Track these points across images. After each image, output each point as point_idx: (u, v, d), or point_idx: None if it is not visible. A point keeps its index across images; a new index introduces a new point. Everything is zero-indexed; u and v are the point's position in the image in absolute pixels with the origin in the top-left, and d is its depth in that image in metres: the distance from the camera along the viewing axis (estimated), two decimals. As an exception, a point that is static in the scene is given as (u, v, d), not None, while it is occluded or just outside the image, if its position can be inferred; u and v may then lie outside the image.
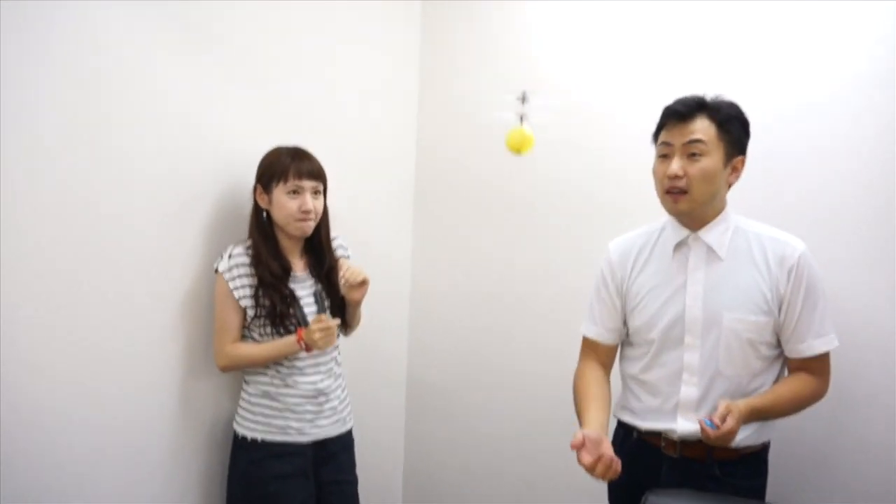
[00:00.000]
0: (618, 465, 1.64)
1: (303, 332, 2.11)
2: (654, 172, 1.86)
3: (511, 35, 2.78)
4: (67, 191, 1.91)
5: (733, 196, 1.91)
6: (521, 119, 1.98)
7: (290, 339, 2.13)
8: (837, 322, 1.88)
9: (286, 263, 2.20)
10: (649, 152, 1.92)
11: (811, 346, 1.80)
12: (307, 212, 2.15)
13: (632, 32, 2.51)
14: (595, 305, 2.02)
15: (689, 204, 1.80)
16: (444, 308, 3.00)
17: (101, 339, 2.00)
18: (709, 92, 1.85)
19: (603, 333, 2.01)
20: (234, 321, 2.16)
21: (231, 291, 2.14)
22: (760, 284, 1.79)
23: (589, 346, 2.04)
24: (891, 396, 2.06)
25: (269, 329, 2.15)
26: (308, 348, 2.12)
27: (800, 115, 2.19)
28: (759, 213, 2.01)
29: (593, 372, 1.98)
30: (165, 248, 2.14)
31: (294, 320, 2.16)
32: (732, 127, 1.80)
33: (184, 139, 2.17)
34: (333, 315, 2.21)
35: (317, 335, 2.08)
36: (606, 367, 2.01)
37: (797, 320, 1.78)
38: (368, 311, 2.45)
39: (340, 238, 2.37)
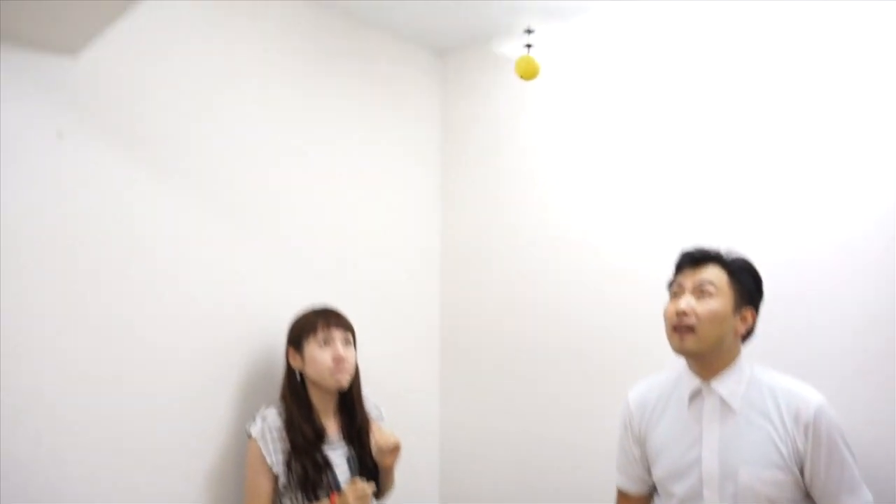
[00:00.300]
0: None
1: (336, 497, 2.04)
2: (665, 312, 1.87)
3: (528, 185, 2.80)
4: (101, 355, 1.99)
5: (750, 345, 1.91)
6: (529, 48, 2.01)
7: None
8: (867, 474, 1.81)
9: (319, 428, 2.15)
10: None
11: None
12: (340, 359, 2.13)
13: (646, 184, 2.50)
14: (620, 456, 2.03)
15: (696, 343, 1.79)
16: (475, 456, 2.90)
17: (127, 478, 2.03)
18: (722, 242, 1.93)
19: (629, 484, 2.01)
20: (265, 489, 2.08)
21: (264, 458, 2.08)
22: (775, 440, 1.75)
23: (621, 496, 2.04)
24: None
25: (300, 496, 2.07)
26: None
27: (803, 270, 2.16)
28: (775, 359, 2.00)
29: None
30: (197, 415, 2.18)
31: (327, 488, 2.09)
32: (743, 278, 1.84)
33: (211, 302, 2.23)
34: (366, 478, 2.14)
35: (352, 503, 2.01)
36: None
37: (825, 479, 1.72)
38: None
39: (373, 397, 2.34)
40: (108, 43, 1.99)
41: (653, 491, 2.00)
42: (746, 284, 1.84)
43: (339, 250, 2.61)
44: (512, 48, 2.11)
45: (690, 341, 1.79)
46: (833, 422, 1.74)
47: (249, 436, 2.11)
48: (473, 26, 2.79)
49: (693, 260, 1.87)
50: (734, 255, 1.88)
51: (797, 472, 1.74)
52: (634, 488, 1.99)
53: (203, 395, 2.19)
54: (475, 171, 2.97)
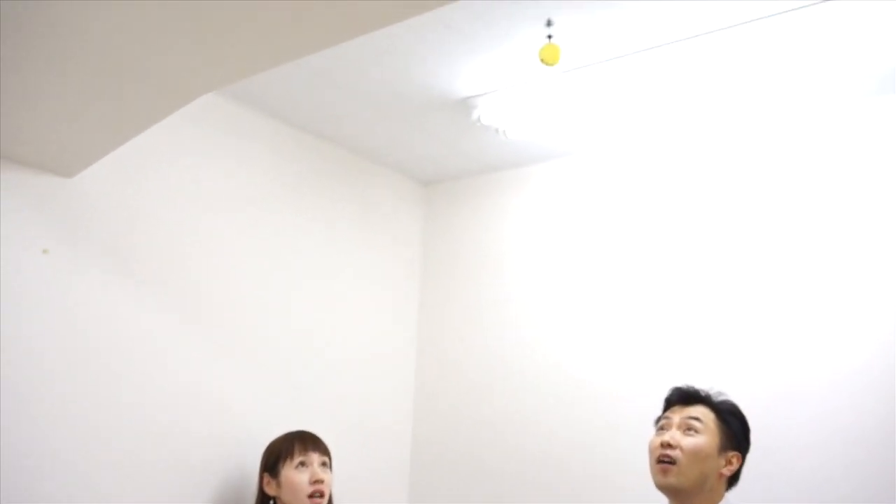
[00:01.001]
0: None
1: None
2: (650, 445, 1.87)
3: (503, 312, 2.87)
4: (71, 469, 1.97)
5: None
6: (550, 38, 2.00)
7: None
8: None
9: None
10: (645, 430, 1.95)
11: None
12: (318, 482, 2.10)
13: (630, 318, 2.57)
14: None
15: (678, 478, 1.78)
16: None
17: None
18: (705, 371, 1.98)
19: None
20: None
21: None
22: None
23: None
24: None
25: None
26: None
27: (799, 403, 2.21)
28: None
29: None
30: None
31: None
32: (731, 421, 1.85)
33: (187, 420, 2.23)
34: None
35: None
36: None
37: None
38: None
39: None
40: (101, 165, 2.05)
41: None
42: (734, 427, 1.84)
43: (315, 373, 2.63)
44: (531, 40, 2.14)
45: (672, 475, 1.78)
46: None
47: None
48: (457, 160, 2.92)
49: (682, 397, 1.89)
50: (723, 398, 1.89)
51: None
52: None
53: None
54: (453, 298, 3.03)
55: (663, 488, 1.82)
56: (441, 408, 2.96)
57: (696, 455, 1.78)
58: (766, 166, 2.39)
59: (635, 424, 2.40)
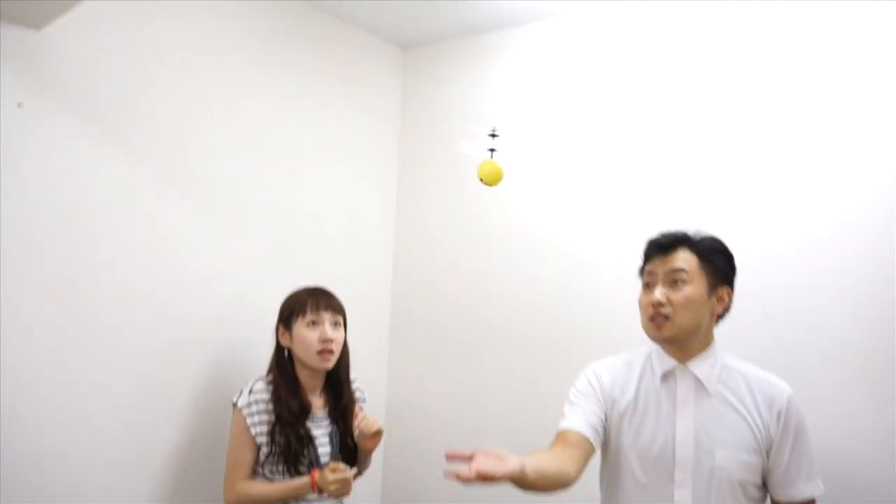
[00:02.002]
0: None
1: (317, 474, 2.09)
2: (640, 302, 1.87)
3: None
4: (72, 321, 2.07)
5: (730, 335, 1.96)
6: (492, 153, 1.97)
7: (303, 481, 2.11)
8: (833, 466, 1.92)
9: (305, 402, 2.20)
10: (626, 275, 2.01)
11: (801, 491, 1.77)
12: (327, 340, 2.18)
13: (611, 177, 2.61)
14: (576, 401, 1.91)
15: (672, 330, 1.80)
16: (420, 433, 2.99)
17: (104, 467, 2.12)
18: (700, 225, 1.92)
19: (580, 423, 1.85)
20: (248, 457, 2.15)
21: (248, 427, 2.14)
22: (750, 423, 1.77)
23: (562, 436, 1.85)
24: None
25: (281, 468, 2.13)
26: (320, 491, 2.09)
27: (798, 254, 2.23)
28: (756, 351, 2.09)
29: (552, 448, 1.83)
30: (171, 380, 2.29)
31: (307, 461, 2.15)
32: (715, 258, 1.84)
33: (166, 278, 2.30)
34: (345, 457, 2.20)
35: (332, 486, 2.05)
36: (574, 461, 1.78)
37: (787, 465, 1.77)
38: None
39: (359, 381, 2.39)
40: (72, 17, 2.02)
41: (592, 445, 1.85)
42: (718, 264, 1.83)
43: (294, 238, 2.68)
44: (475, 151, 2.11)
45: (668, 329, 1.80)
46: (801, 411, 1.80)
47: (235, 405, 2.17)
48: (436, 22, 2.88)
49: (661, 247, 1.85)
50: (702, 236, 1.87)
51: (765, 457, 1.78)
52: (583, 428, 1.84)
53: (176, 379, 2.31)
54: (432, 163, 3.05)
55: (660, 341, 1.85)
56: (419, 271, 3.06)
57: (687, 306, 1.79)
58: (759, 19, 2.35)
59: (610, 283, 2.51)
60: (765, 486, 1.82)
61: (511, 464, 1.55)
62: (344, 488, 2.07)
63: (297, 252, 2.69)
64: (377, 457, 2.99)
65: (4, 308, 1.93)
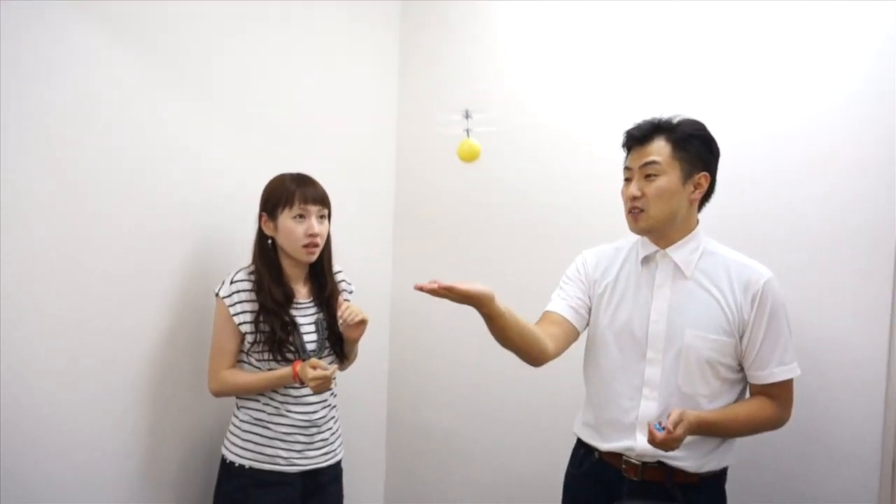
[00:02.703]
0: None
1: (298, 367, 2.07)
2: (621, 194, 1.93)
3: (482, 61, 2.86)
4: (69, 198, 1.99)
5: (721, 214, 1.99)
6: (468, 133, 2.17)
7: (285, 372, 2.10)
8: (819, 344, 1.97)
9: (289, 290, 2.19)
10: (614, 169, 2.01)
11: (773, 374, 1.83)
12: (313, 235, 2.14)
13: (609, 68, 2.55)
14: (562, 286, 2.04)
15: (647, 221, 1.86)
16: (424, 329, 3.04)
17: (91, 343, 2.06)
18: (686, 109, 1.92)
19: (562, 306, 1.99)
20: (230, 346, 2.15)
21: (231, 317, 2.13)
22: (723, 306, 1.82)
23: (545, 316, 2.00)
24: (864, 428, 2.08)
25: (266, 355, 2.13)
26: (302, 383, 2.08)
27: (790, 129, 2.18)
28: (747, 226, 2.16)
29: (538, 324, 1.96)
30: (156, 268, 2.21)
31: (293, 348, 2.14)
32: (690, 145, 1.85)
33: (177, 173, 2.25)
34: (332, 344, 2.21)
35: (312, 382, 2.03)
36: (553, 338, 1.92)
37: (759, 347, 1.82)
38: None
39: (344, 273, 2.36)
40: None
41: (574, 327, 1.98)
42: (694, 150, 1.85)
43: (293, 128, 2.62)
44: (454, 131, 2.26)
45: (643, 221, 1.86)
46: (778, 295, 1.83)
47: (217, 295, 2.15)
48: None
49: (635, 138, 1.89)
50: (678, 121, 1.87)
51: (737, 339, 1.82)
52: (564, 311, 1.98)
53: (169, 264, 2.25)
54: (436, 50, 2.99)
55: (638, 232, 1.92)
56: (422, 170, 3.04)
57: (659, 197, 1.84)
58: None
59: (608, 168, 2.37)
60: (741, 368, 1.87)
61: (481, 286, 1.71)
62: (324, 385, 2.03)
63: (297, 146, 2.62)
64: (383, 358, 3.10)
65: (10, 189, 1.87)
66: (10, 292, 1.86)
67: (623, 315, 1.92)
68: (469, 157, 2.18)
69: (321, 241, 2.18)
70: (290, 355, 2.13)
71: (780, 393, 1.85)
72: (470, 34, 2.89)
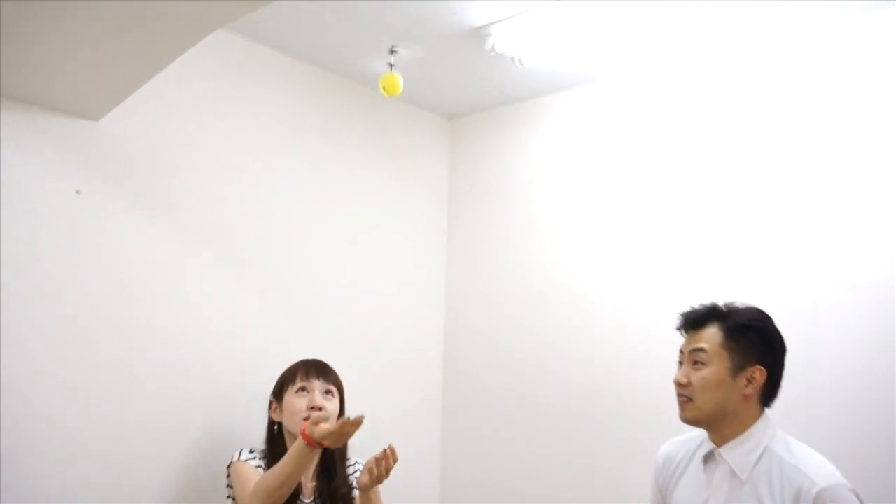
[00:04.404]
0: None
1: (306, 429, 1.85)
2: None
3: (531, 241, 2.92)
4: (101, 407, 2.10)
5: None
6: (391, 66, 2.36)
7: (299, 444, 1.86)
8: None
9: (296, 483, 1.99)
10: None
11: None
12: (315, 407, 2.03)
13: (654, 238, 2.59)
14: (650, 498, 1.96)
15: (693, 412, 1.75)
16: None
17: None
18: (737, 292, 1.90)
19: None
20: (256, 475, 1.97)
21: (255, 469, 2.02)
22: None
23: None
24: None
25: None
26: (320, 444, 1.85)
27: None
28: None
29: None
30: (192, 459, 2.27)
31: None
32: (744, 336, 1.73)
33: (218, 354, 2.34)
34: None
35: (327, 441, 1.82)
36: None
37: None
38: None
39: (361, 464, 2.15)
40: (128, 105, 2.13)
41: None
42: (747, 341, 1.73)
43: (345, 308, 2.71)
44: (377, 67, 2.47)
45: (689, 411, 1.76)
46: None
47: (231, 463, 2.04)
48: (480, 93, 2.93)
49: (689, 323, 1.80)
50: (735, 309, 1.78)
51: None
52: None
53: (195, 441, 2.30)
54: (481, 228, 3.08)
55: (685, 422, 1.80)
56: (471, 338, 3.04)
57: (704, 387, 1.73)
58: (788, 87, 2.36)
59: (665, 350, 2.43)
60: None
61: None
62: (339, 435, 1.82)
63: (346, 320, 2.71)
64: None
65: (67, 384, 2.02)
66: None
67: None
68: (391, 88, 2.28)
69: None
70: None
71: None
72: (513, 210, 2.98)
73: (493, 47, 2.42)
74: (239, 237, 2.44)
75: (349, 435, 1.85)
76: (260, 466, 2.04)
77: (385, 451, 1.88)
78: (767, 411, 1.77)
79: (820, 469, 1.64)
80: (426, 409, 3.02)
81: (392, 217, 2.93)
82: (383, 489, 2.03)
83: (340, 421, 1.82)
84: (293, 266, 2.58)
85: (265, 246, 2.50)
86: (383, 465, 1.89)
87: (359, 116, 2.84)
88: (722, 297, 1.88)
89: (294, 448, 1.87)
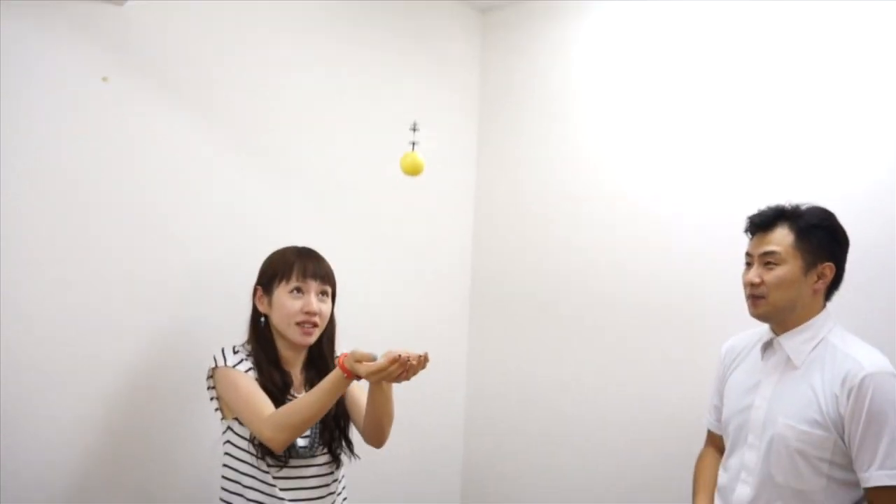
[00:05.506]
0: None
1: (346, 362, 1.73)
2: (742, 279, 1.91)
3: (568, 144, 2.81)
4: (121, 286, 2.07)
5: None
6: (413, 146, 2.10)
7: (336, 377, 1.75)
8: None
9: (287, 377, 1.93)
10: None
11: (872, 477, 1.67)
12: (311, 313, 1.90)
13: (700, 146, 2.48)
14: (710, 397, 2.09)
15: (766, 308, 1.84)
16: (501, 409, 2.94)
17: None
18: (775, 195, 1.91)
19: (713, 423, 2.07)
20: (262, 394, 1.83)
21: (246, 371, 1.87)
22: (819, 397, 1.75)
23: (708, 434, 2.11)
24: None
25: (257, 451, 1.84)
26: (357, 377, 1.74)
27: None
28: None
29: (707, 458, 2.07)
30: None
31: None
32: (814, 235, 1.81)
33: (245, 242, 2.27)
34: (325, 441, 1.93)
35: (373, 377, 1.71)
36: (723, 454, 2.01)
37: (858, 447, 1.69)
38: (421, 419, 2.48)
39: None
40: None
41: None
42: (818, 240, 1.81)
43: (368, 211, 2.66)
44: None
45: (762, 307, 1.84)
46: (886, 392, 1.68)
47: (216, 368, 1.87)
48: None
49: (757, 226, 1.87)
50: (804, 209, 1.85)
51: (837, 434, 1.72)
52: (717, 427, 2.05)
53: (202, 332, 2.22)
54: (515, 130, 2.98)
55: (756, 318, 1.89)
56: (501, 245, 2.99)
57: (779, 285, 1.81)
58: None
59: (700, 255, 2.42)
60: (844, 463, 1.74)
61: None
62: (397, 372, 1.68)
63: (372, 224, 2.67)
64: (457, 441, 3.01)
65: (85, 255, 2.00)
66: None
67: (738, 400, 1.92)
68: (412, 170, 2.11)
69: (321, 322, 1.93)
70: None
71: (881, 502, 1.68)
72: (550, 111, 2.87)
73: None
74: (263, 128, 2.37)
75: (406, 377, 1.71)
76: (251, 369, 1.88)
77: (421, 357, 1.72)
78: (829, 305, 1.87)
79: (868, 357, 1.74)
80: (452, 312, 3.00)
81: (421, 114, 2.75)
82: (406, 396, 1.99)
83: (393, 357, 1.66)
84: (318, 163, 2.52)
85: (292, 143, 2.44)
86: (414, 367, 1.72)
87: (388, 8, 2.72)
88: (761, 198, 1.93)
89: (329, 382, 1.75)
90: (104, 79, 2.03)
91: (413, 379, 1.75)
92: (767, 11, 2.34)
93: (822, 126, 2.23)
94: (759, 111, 2.35)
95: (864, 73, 2.17)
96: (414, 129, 2.11)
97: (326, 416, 1.86)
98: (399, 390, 1.89)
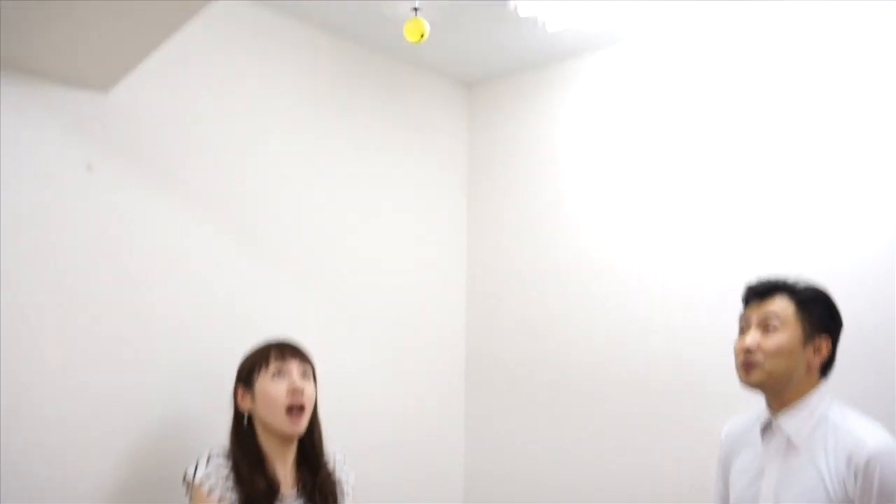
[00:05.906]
0: None
1: None
2: (734, 347, 1.86)
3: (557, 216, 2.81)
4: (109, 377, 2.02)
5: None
6: (416, 11, 1.96)
7: None
8: None
9: (273, 481, 1.85)
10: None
11: None
12: (297, 391, 1.84)
13: (687, 216, 2.48)
14: (714, 485, 2.02)
15: (760, 375, 1.78)
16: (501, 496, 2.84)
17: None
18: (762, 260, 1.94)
19: None
20: None
21: (214, 483, 1.80)
22: (825, 480, 1.70)
23: None
24: None
25: None
26: None
27: None
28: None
29: None
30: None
31: None
32: (813, 308, 1.80)
33: (231, 338, 2.17)
34: None
35: None
36: None
37: None
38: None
39: (341, 454, 2.03)
40: (138, 77, 2.05)
41: None
42: (817, 314, 1.80)
43: (361, 285, 2.63)
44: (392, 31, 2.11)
45: (756, 375, 1.79)
46: (893, 473, 1.64)
47: (190, 482, 1.80)
48: (501, 59, 2.82)
49: (758, 293, 1.85)
50: (803, 284, 1.84)
51: None
52: None
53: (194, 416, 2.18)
54: (503, 201, 2.97)
55: (749, 385, 1.83)
56: (494, 316, 2.95)
57: (777, 354, 1.77)
58: (826, 44, 2.24)
59: (693, 327, 2.40)
60: None
61: None
62: None
63: (361, 300, 2.63)
64: None
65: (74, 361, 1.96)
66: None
67: (741, 487, 1.87)
68: (415, 33, 1.99)
69: (307, 405, 1.87)
70: None
71: None
72: (537, 183, 2.87)
73: (515, 8, 2.32)
74: (251, 210, 2.36)
75: None
76: (227, 477, 1.82)
77: None
78: (825, 382, 1.83)
79: (872, 434, 1.70)
80: (448, 391, 2.93)
81: (409, 191, 2.84)
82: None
83: None
84: (306, 242, 2.49)
85: (279, 222, 2.42)
86: None
87: (374, 85, 2.74)
88: (753, 270, 1.93)
89: None
90: (88, 166, 2.02)
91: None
92: (755, 81, 2.37)
93: (810, 198, 2.24)
94: (749, 182, 2.35)
95: (852, 149, 2.18)
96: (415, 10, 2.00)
97: None
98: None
